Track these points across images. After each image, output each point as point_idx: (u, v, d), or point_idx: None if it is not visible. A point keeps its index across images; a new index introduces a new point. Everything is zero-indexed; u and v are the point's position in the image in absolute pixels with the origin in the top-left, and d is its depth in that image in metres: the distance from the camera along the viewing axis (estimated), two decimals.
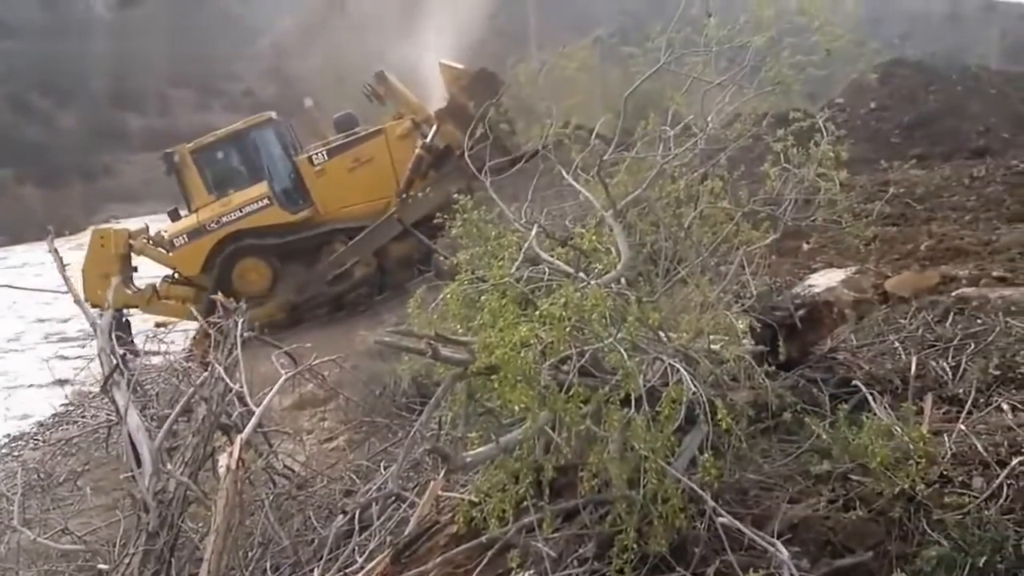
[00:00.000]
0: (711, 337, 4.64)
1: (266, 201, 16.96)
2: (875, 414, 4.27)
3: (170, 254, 17.53)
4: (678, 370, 3.71)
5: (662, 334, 4.30)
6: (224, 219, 17.02)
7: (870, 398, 4.56)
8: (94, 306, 18.42)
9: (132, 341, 16.92)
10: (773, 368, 4.83)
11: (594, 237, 4.29)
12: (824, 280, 7.50)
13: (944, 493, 3.62)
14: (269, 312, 16.08)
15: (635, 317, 3.71)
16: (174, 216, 18.06)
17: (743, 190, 5.19)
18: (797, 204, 5.09)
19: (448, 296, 3.87)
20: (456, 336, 3.63)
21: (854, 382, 4.85)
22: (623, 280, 4.56)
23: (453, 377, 3.38)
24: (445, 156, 15.69)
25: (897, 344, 5.73)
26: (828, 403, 4.58)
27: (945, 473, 3.72)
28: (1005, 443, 3.94)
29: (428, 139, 15.86)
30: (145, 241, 18.02)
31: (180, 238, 17.42)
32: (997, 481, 3.65)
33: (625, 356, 3.50)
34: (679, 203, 5.11)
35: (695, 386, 3.63)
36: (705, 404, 3.60)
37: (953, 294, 6.28)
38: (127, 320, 17.40)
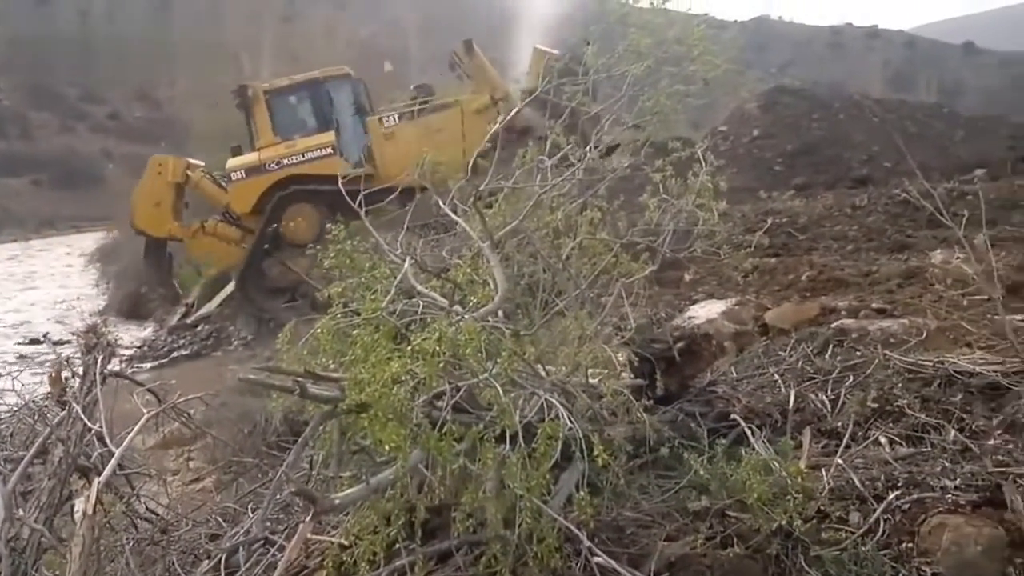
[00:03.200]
0: (590, 371, 4.75)
1: (329, 150, 17.28)
2: (753, 449, 4.43)
3: (226, 188, 17.96)
4: (555, 405, 3.80)
5: (540, 368, 4.38)
6: (285, 161, 17.43)
7: (748, 432, 4.73)
8: (141, 233, 18.76)
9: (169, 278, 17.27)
10: (652, 402, 4.98)
11: (469, 269, 4.36)
12: (705, 312, 7.74)
13: (821, 529, 3.76)
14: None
15: (510, 351, 3.78)
16: (235, 153, 18.50)
17: (623, 220, 5.34)
18: (676, 235, 5.24)
19: (320, 330, 3.88)
20: (328, 372, 3.64)
21: (732, 416, 5.01)
22: (500, 313, 4.64)
23: (322, 415, 3.39)
24: (523, 137, 16.09)
25: (777, 377, 5.92)
26: (707, 438, 4.73)
27: (822, 508, 3.86)
28: (882, 477, 4.12)
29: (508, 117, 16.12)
30: (203, 174, 18.75)
31: (238, 173, 17.87)
32: (874, 516, 3.82)
33: (500, 392, 3.57)
34: (557, 234, 5.22)
35: (572, 422, 3.72)
36: (581, 440, 3.70)
37: (833, 326, 6.52)
38: (170, 255, 18.55)
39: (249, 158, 17.99)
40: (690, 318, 7.68)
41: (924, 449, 4.45)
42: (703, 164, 5.25)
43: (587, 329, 4.75)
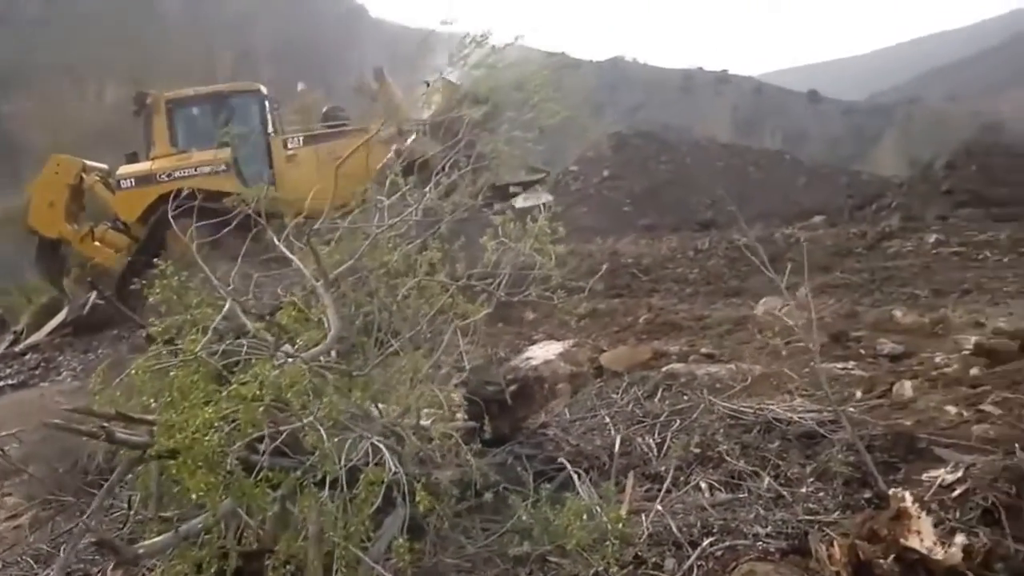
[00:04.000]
0: (425, 412, 4.80)
1: (224, 167, 16.63)
2: (577, 493, 4.55)
3: (114, 195, 17.32)
4: (381, 449, 3.84)
5: (374, 409, 4.42)
6: (177, 173, 16.74)
7: (574, 476, 4.85)
8: (32, 231, 18.18)
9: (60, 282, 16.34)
10: (483, 444, 5.06)
11: (296, 310, 4.37)
12: (543, 353, 7.89)
13: (638, 575, 3.89)
14: None
15: (333, 395, 3.81)
16: (130, 160, 17.82)
17: (462, 262, 5.43)
18: (511, 278, 5.36)
19: (136, 369, 3.82)
20: (143, 414, 3.60)
21: (559, 459, 5.13)
22: (333, 353, 4.66)
23: (129, 461, 3.35)
24: (421, 169, 15.90)
25: (607, 419, 6.06)
26: (533, 481, 4.83)
27: (640, 554, 3.98)
28: (698, 523, 4.26)
29: (408, 142, 15.81)
30: (97, 178, 17.97)
31: (127, 180, 17.23)
32: (688, 562, 3.96)
33: (324, 435, 3.58)
34: (395, 274, 5.28)
35: (397, 466, 3.76)
36: (405, 485, 3.74)
37: (663, 370, 6.72)
38: (63, 258, 18.09)
39: (141, 166, 17.48)
40: (528, 359, 7.83)
41: (741, 495, 4.62)
42: (541, 208, 5.38)
43: (420, 370, 4.80)
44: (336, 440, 3.70)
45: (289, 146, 17.12)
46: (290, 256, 5.17)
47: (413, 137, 15.64)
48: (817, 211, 28.80)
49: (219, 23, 70.07)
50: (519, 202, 17.63)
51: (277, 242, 5.30)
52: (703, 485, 4.85)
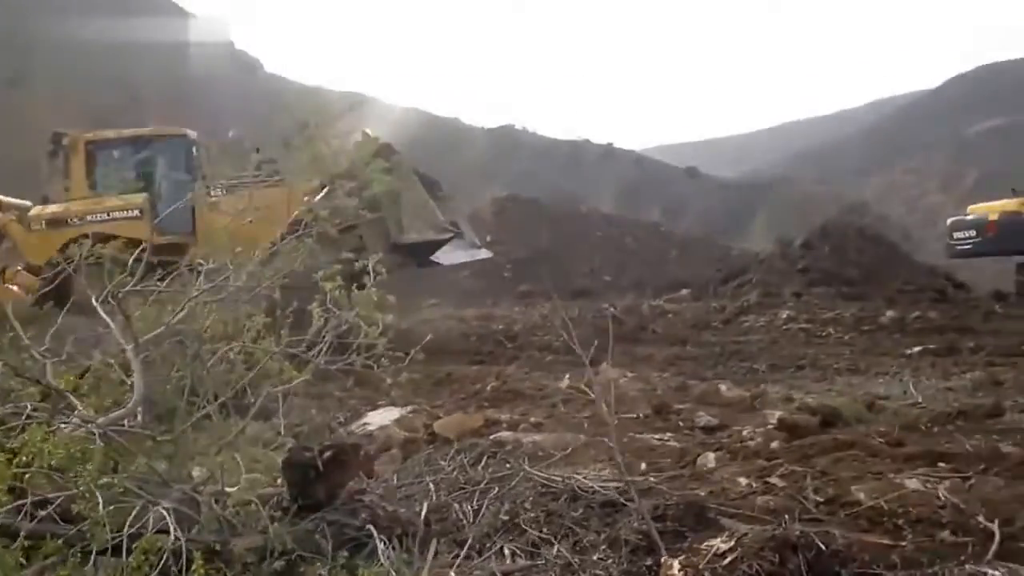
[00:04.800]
0: (245, 478, 4.75)
1: (137, 213, 16.07)
2: (379, 561, 4.55)
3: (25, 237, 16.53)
4: (167, 516, 3.79)
5: (186, 473, 4.36)
6: (89, 217, 16.10)
7: (379, 543, 4.84)
8: None
9: None
10: (300, 511, 5.02)
11: (86, 373, 4.31)
12: (380, 418, 7.91)
13: None
14: None
15: (125, 461, 3.76)
16: (44, 202, 17.15)
17: (287, 328, 5.43)
18: (333, 346, 5.38)
19: None
20: None
21: (367, 526, 5.11)
22: (140, 418, 4.60)
23: None
24: (327, 224, 15.46)
25: (431, 486, 6.09)
26: (340, 548, 4.80)
27: None
28: None
29: (316, 198, 15.36)
30: (12, 217, 17.05)
31: (39, 223, 16.52)
32: None
33: (100, 503, 3.52)
34: (218, 339, 5.25)
35: (179, 534, 3.72)
36: (184, 553, 3.69)
37: (491, 437, 6.79)
38: None
39: (55, 209, 16.90)
40: (364, 424, 7.84)
41: (538, 562, 4.69)
42: (371, 276, 5.43)
43: (229, 435, 4.77)
44: (112, 508, 3.64)
45: (212, 194, 16.31)
46: (104, 315, 5.11)
47: (324, 191, 15.36)
48: (685, 283, 29.45)
49: (106, 72, 68.92)
50: (446, 259, 17.60)
51: (94, 301, 5.24)
52: (506, 551, 4.91)
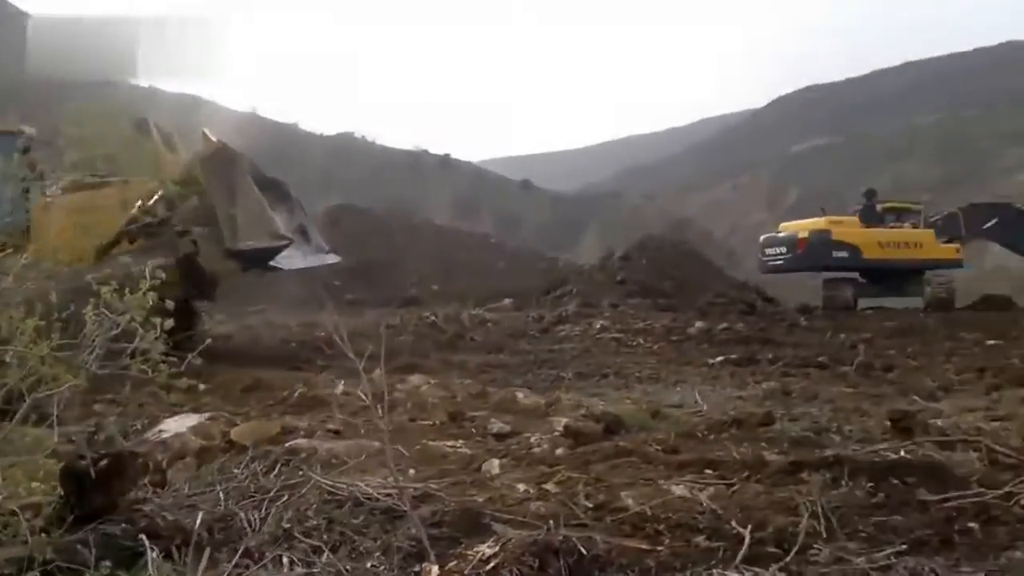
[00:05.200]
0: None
1: None
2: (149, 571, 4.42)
3: None
4: None
5: None
6: None
7: (150, 552, 4.71)
8: None
9: None
10: (76, 521, 4.83)
11: None
12: (176, 425, 7.68)
13: None
14: None
15: None
16: None
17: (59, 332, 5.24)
18: (107, 351, 5.22)
19: None
20: None
21: (140, 536, 4.97)
22: None
23: None
24: (162, 226, 14.41)
25: (222, 494, 5.96)
26: (118, 558, 4.65)
27: None
28: None
29: (151, 201, 14.46)
30: None
31: None
32: None
33: None
34: None
35: None
36: None
37: (287, 445, 6.70)
38: None
39: None
40: (160, 431, 7.60)
41: (315, 570, 4.65)
42: (147, 279, 5.30)
43: None
44: None
45: (47, 193, 15.78)
46: None
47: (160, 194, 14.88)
48: (509, 294, 29.72)
49: None
50: (288, 264, 16.88)
51: None
52: (285, 560, 4.85)
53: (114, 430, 7.33)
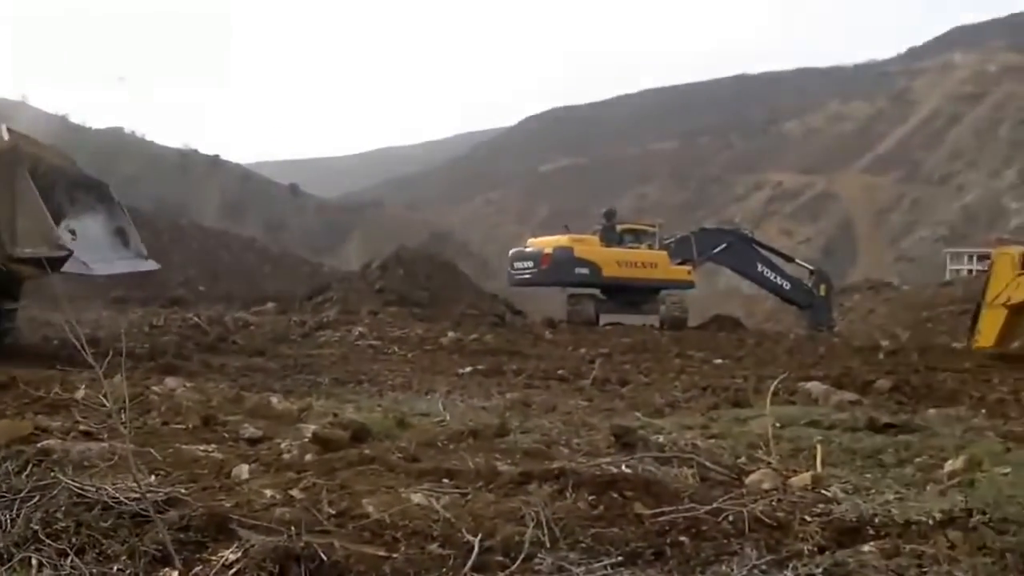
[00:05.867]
0: None
1: None
2: None
3: None
4: None
5: None
6: None
7: None
8: None
9: None
10: None
11: None
12: None
13: None
14: None
15: None
16: None
17: None
18: None
19: None
20: None
21: None
22: None
23: None
24: None
25: None
26: None
27: None
28: None
29: None
30: None
31: None
32: None
33: None
34: None
35: None
36: None
37: (39, 445, 6.46)
38: None
39: None
40: None
41: (62, 573, 4.54)
42: None
43: None
44: None
45: None
46: None
47: None
48: (273, 298, 29.24)
49: None
50: (103, 269, 15.36)
51: None
52: (34, 562, 4.70)
53: None
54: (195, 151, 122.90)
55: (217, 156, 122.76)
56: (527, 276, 30.12)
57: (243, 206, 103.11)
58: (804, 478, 5.63)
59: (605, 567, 4.01)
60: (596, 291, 30.45)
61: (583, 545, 4.29)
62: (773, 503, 4.86)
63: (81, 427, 7.21)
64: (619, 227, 31.81)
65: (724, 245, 33.08)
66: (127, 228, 15.80)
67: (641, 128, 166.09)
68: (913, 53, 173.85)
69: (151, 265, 16.80)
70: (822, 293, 34.21)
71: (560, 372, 14.69)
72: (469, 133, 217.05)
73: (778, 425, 7.80)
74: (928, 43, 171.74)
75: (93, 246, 14.39)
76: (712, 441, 7.53)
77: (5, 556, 4.72)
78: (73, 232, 13.98)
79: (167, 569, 3.92)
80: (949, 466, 6.30)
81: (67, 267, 14.03)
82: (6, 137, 13.29)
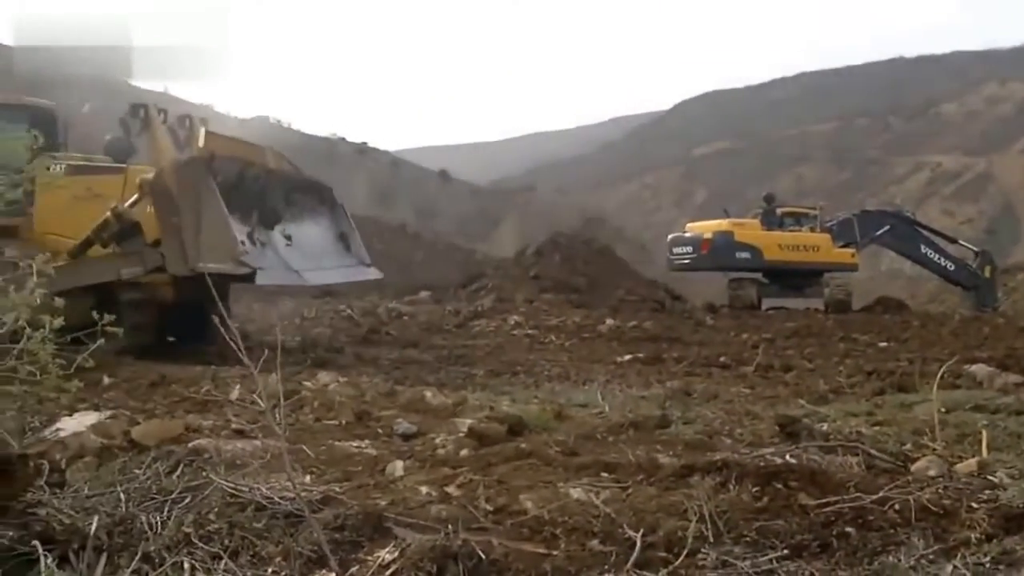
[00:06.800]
0: None
1: None
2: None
3: None
4: None
5: None
6: None
7: (44, 558, 4.63)
8: None
9: None
10: None
11: None
12: (75, 423, 7.51)
13: None
14: None
15: None
16: None
17: None
18: None
19: None
20: None
21: (34, 542, 4.87)
22: None
23: None
24: (132, 234, 13.53)
25: (122, 495, 5.86)
26: (9, 563, 4.56)
27: None
28: None
29: (126, 204, 13.40)
30: None
31: None
32: None
33: None
34: None
35: None
36: None
37: (190, 445, 6.61)
38: None
39: None
40: (58, 429, 7.42)
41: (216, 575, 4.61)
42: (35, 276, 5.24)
43: None
44: None
45: (51, 170, 14.77)
46: None
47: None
48: (427, 286, 29.70)
49: None
50: (320, 279, 15.70)
51: None
52: (186, 565, 4.79)
53: (9, 426, 7.18)
54: (343, 139, 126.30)
55: (365, 143, 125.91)
56: (687, 261, 30.19)
57: (393, 193, 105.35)
58: (970, 464, 5.59)
59: (770, 560, 3.97)
60: (758, 275, 30.27)
61: (747, 538, 4.23)
62: (939, 490, 4.78)
63: (233, 425, 7.36)
64: (779, 210, 31.77)
65: (887, 227, 32.67)
66: (349, 233, 15.58)
67: (798, 111, 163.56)
68: None
69: (374, 273, 16.26)
70: (987, 275, 33.75)
71: (722, 359, 14.49)
72: (623, 117, 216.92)
73: (943, 410, 7.70)
74: None
75: (310, 252, 14.39)
76: (877, 428, 7.38)
77: (156, 560, 4.82)
78: (289, 237, 14.09)
79: (323, 571, 3.90)
80: None
81: (277, 279, 14.35)
82: (201, 143, 13.44)
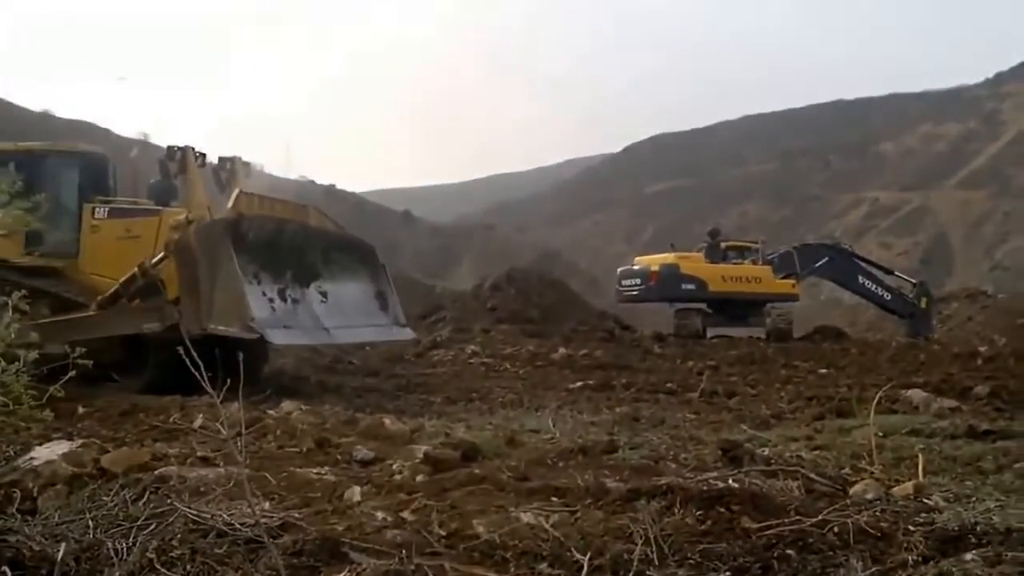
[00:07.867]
0: None
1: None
2: None
3: None
4: None
5: None
6: None
7: None
8: None
9: None
10: None
11: None
12: (47, 452, 7.32)
13: None
14: None
15: None
16: None
17: None
18: None
19: None
20: None
21: (3, 567, 4.73)
22: None
23: None
24: (155, 291, 13.15)
25: (91, 522, 5.71)
26: None
27: None
28: None
29: (152, 261, 13.02)
30: None
31: None
32: None
33: None
34: None
35: None
36: None
37: (156, 472, 6.48)
38: None
39: None
40: (32, 458, 7.23)
41: None
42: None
43: None
44: None
45: (96, 215, 14.65)
46: None
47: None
48: None
49: None
50: (354, 337, 15.05)
51: None
52: None
53: None
54: (311, 181, 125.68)
55: (332, 185, 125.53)
56: (635, 292, 30.36)
57: (357, 232, 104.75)
58: (907, 487, 5.56)
59: None
60: (703, 305, 30.44)
61: (691, 561, 4.19)
62: (877, 513, 4.75)
63: (198, 453, 7.22)
64: (723, 244, 31.96)
65: (826, 259, 32.97)
66: (388, 293, 15.02)
67: (742, 151, 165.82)
68: (1000, 78, 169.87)
69: (406, 334, 15.51)
70: (923, 305, 33.90)
71: (669, 385, 14.54)
72: (577, 159, 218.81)
73: (881, 434, 7.71)
74: (1014, 68, 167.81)
75: (344, 310, 14.01)
76: (817, 452, 7.41)
77: None
78: (324, 294, 13.78)
79: None
80: None
81: (299, 339, 13.88)
82: (230, 204, 13.11)
